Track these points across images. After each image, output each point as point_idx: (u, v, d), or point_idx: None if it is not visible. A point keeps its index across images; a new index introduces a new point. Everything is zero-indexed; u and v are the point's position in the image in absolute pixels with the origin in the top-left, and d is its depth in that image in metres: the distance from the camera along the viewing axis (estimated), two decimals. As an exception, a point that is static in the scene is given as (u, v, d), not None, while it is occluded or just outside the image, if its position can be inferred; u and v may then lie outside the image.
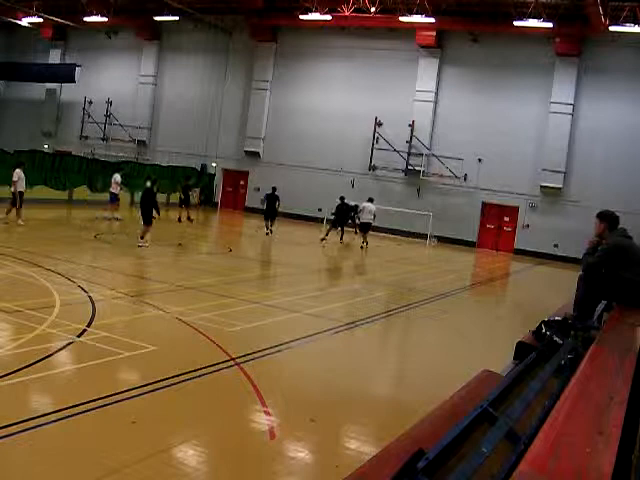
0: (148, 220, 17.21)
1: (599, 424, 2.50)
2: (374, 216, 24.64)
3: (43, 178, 26.90)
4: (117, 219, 23.31)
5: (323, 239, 23.91)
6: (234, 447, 5.61)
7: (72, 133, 41.27)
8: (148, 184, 18.65)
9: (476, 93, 30.92)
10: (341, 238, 25.31)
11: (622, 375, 3.40)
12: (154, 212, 17.47)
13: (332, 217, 25.71)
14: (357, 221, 25.09)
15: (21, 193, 19.03)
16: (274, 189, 25.28)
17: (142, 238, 17.12)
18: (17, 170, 19.49)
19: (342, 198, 25.64)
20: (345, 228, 25.55)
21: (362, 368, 8.55)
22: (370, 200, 25.15)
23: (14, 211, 18.96)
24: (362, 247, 23.90)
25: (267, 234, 24.22)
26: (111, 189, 23.79)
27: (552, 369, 4.43)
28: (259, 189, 33.67)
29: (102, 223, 22.69)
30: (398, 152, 31.93)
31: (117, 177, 23.99)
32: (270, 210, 24.84)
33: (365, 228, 24.48)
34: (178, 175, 34.67)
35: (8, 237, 16.97)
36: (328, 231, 24.54)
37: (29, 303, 9.35)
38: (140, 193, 31.36)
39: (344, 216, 25.26)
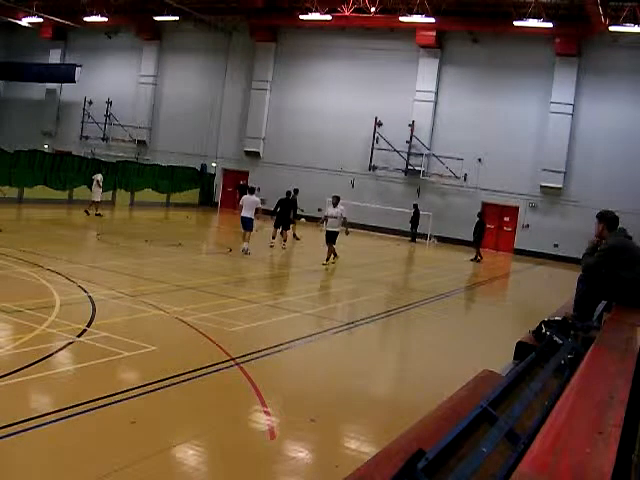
0: (288, 225, 20.98)
1: (599, 424, 2.50)
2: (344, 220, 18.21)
3: (43, 178, 26.96)
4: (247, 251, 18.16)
5: (477, 260, 24.22)
6: (234, 447, 5.61)
7: (72, 133, 41.30)
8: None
9: (476, 93, 30.93)
10: (478, 258, 24.75)
11: (622, 375, 3.40)
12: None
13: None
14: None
15: None
16: (289, 193, 21.84)
17: (285, 241, 20.61)
18: None
19: (480, 215, 25.50)
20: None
21: (362, 368, 8.55)
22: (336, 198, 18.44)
23: None
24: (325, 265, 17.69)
25: (271, 245, 19.71)
26: (248, 214, 18.40)
27: (552, 369, 4.43)
28: (259, 189, 33.62)
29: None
30: (398, 152, 31.93)
31: (258, 201, 18.83)
32: (282, 216, 20.67)
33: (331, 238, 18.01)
34: (178, 175, 34.73)
35: (8, 237, 16.97)
36: (477, 252, 24.56)
37: (29, 303, 9.34)
38: (139, 193, 31.79)
39: (481, 232, 25.05)
